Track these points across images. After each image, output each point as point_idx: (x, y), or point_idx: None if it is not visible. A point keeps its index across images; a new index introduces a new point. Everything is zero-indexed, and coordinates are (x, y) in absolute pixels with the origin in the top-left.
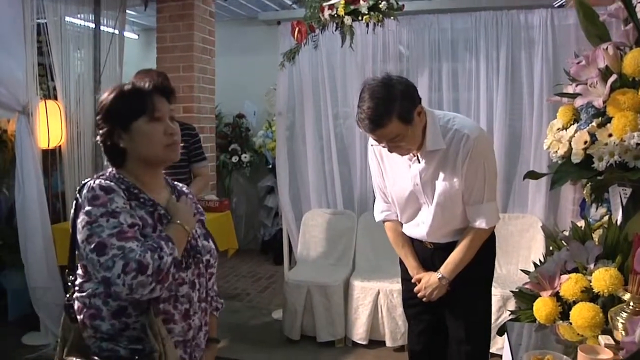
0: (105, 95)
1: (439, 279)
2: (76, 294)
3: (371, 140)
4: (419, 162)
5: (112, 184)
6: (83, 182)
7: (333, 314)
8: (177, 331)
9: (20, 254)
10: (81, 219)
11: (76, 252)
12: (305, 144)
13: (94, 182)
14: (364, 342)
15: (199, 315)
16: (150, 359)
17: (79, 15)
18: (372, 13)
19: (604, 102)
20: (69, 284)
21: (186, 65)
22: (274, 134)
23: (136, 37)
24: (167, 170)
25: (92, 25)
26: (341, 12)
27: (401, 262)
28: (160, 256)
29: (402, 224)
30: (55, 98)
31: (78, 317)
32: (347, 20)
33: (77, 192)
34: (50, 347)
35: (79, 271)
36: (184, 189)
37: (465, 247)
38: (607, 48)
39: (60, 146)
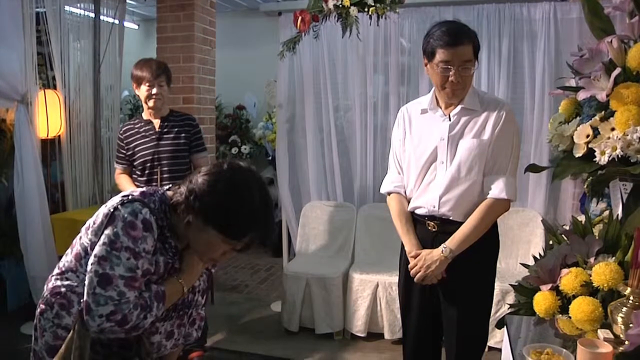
0: (222, 182)
1: (442, 250)
2: (55, 275)
3: (403, 108)
4: (450, 120)
5: (154, 221)
6: (130, 197)
7: (332, 306)
8: None
9: (20, 243)
10: (108, 234)
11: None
12: (306, 136)
13: (142, 210)
14: (362, 335)
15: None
16: None
17: (78, 5)
18: (378, 5)
19: (608, 95)
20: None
21: (186, 56)
22: (274, 125)
23: (136, 27)
24: (167, 160)
25: (92, 15)
26: (346, 2)
27: (401, 251)
28: (145, 316)
29: (408, 201)
30: (55, 88)
31: (48, 295)
32: (353, 11)
33: (120, 203)
34: None
35: (70, 257)
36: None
37: (477, 218)
38: (611, 41)
39: (59, 136)
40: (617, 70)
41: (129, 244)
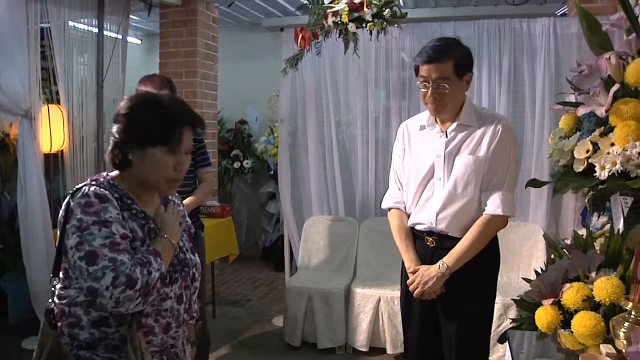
0: (134, 104)
1: (440, 266)
2: (55, 300)
3: (403, 124)
4: (447, 137)
5: (107, 192)
6: (77, 187)
7: (334, 321)
8: (155, 343)
9: (22, 257)
10: (71, 225)
11: (62, 257)
12: (307, 150)
13: (89, 189)
14: (364, 349)
15: (183, 326)
16: None
17: (82, 20)
18: (376, 20)
19: (607, 111)
20: (52, 288)
21: (189, 71)
22: (276, 140)
23: (139, 42)
24: None
25: (96, 30)
26: (345, 19)
27: (402, 266)
28: (148, 271)
29: (408, 216)
30: (58, 102)
31: (57, 323)
32: (351, 27)
33: (70, 196)
34: None
35: (60, 276)
36: (173, 198)
37: (474, 234)
38: (609, 57)
39: (62, 150)
40: (616, 86)
41: (93, 219)
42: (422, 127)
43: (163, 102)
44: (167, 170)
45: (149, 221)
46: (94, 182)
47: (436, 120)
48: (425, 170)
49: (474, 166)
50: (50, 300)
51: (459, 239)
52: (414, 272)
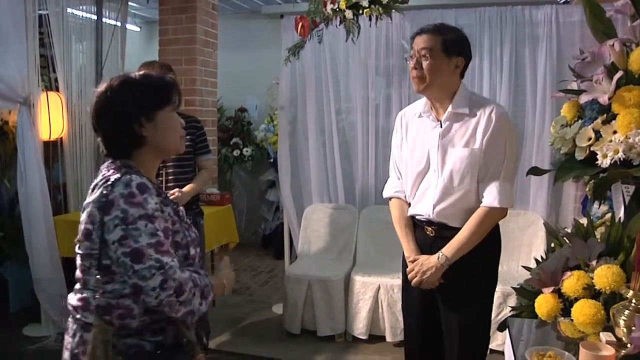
0: (118, 84)
1: (439, 257)
2: (97, 295)
3: (401, 113)
4: (441, 127)
5: (145, 180)
6: (113, 178)
7: (333, 309)
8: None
9: (23, 245)
10: (113, 216)
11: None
12: (307, 138)
13: (130, 178)
14: (364, 337)
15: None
16: (174, 350)
17: (80, 7)
18: (372, 7)
19: (610, 98)
20: (81, 284)
21: (188, 58)
22: (276, 128)
23: (138, 29)
24: (173, 162)
25: (94, 17)
26: (342, 5)
27: (403, 256)
28: (193, 294)
29: (409, 205)
30: (57, 90)
31: (105, 317)
32: (348, 14)
33: (104, 187)
34: (50, 338)
35: (94, 269)
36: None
37: (472, 226)
38: (613, 44)
39: (61, 138)
40: (619, 74)
41: (139, 212)
42: (419, 115)
43: (137, 75)
44: (178, 127)
45: (177, 204)
46: (130, 172)
47: (432, 108)
48: (421, 161)
49: (469, 159)
50: (82, 295)
51: (458, 229)
52: (413, 262)
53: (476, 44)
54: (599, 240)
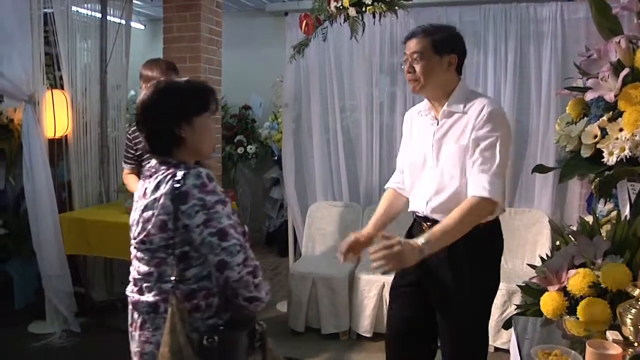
0: (164, 88)
1: (419, 242)
2: (177, 285)
3: (408, 112)
4: (437, 125)
5: (208, 171)
6: (180, 173)
7: (338, 307)
8: None
9: (30, 242)
10: (191, 205)
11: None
12: (312, 136)
13: (199, 169)
14: (368, 335)
15: None
16: (237, 325)
17: (85, 5)
18: (376, 4)
19: (616, 96)
20: (143, 278)
21: (193, 56)
22: (280, 125)
23: (142, 27)
24: None
25: (99, 15)
26: (346, 3)
27: None
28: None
29: (407, 199)
30: (62, 88)
31: (187, 304)
32: (351, 11)
33: (176, 180)
34: (55, 335)
35: (169, 260)
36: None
37: (457, 214)
38: (619, 41)
39: (66, 136)
40: (626, 71)
41: (215, 198)
42: (421, 114)
43: (182, 81)
44: (213, 132)
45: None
46: (188, 165)
47: (432, 107)
48: (419, 158)
49: (459, 154)
50: (162, 289)
51: None
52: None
53: (481, 42)
54: (604, 238)
